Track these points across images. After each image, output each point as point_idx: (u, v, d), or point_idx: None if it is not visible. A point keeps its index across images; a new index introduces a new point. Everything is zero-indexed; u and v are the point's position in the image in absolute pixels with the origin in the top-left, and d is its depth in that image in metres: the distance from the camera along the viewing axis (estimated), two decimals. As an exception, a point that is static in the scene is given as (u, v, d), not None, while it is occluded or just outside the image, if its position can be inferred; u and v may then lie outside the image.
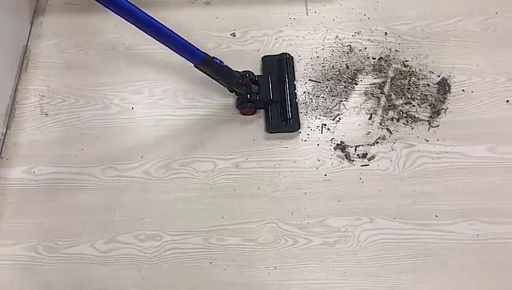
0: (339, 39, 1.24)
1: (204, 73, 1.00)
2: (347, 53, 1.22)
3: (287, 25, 1.28)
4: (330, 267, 0.98)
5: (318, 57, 1.22)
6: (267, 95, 1.11)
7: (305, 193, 1.05)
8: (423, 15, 1.26)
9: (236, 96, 1.13)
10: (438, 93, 1.15)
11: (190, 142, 1.12)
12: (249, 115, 1.14)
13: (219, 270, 0.98)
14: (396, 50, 1.21)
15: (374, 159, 1.08)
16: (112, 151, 1.12)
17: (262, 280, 0.97)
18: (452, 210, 1.01)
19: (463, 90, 1.15)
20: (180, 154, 1.11)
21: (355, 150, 1.09)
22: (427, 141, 1.08)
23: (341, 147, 1.10)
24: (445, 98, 1.14)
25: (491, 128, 1.10)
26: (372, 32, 1.25)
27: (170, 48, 0.90)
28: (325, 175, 1.06)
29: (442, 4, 1.27)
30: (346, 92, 1.15)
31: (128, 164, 1.10)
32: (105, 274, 1.00)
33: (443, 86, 1.16)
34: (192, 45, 0.92)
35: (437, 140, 1.08)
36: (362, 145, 1.09)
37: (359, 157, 1.08)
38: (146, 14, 0.82)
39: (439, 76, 1.16)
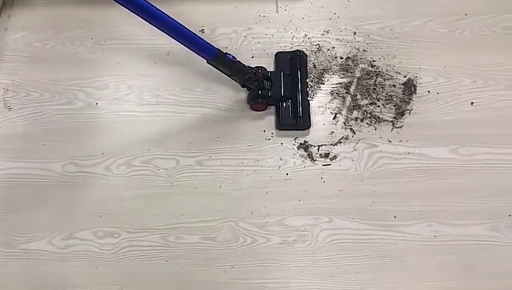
0: (308, 38, 1.23)
1: (217, 68, 1.00)
2: (315, 52, 1.21)
3: (256, 22, 1.27)
4: (287, 266, 0.97)
5: (286, 56, 1.21)
6: (278, 91, 1.10)
7: (267, 191, 1.04)
8: (393, 15, 1.26)
9: (248, 92, 1.12)
10: (403, 94, 1.14)
11: (153, 139, 1.11)
12: (260, 110, 1.14)
13: (176, 268, 0.98)
14: (363, 50, 1.21)
15: (337, 159, 1.07)
16: (74, 147, 1.11)
17: (219, 278, 0.97)
18: (411, 211, 1.01)
19: (428, 92, 1.15)
20: (142, 151, 1.10)
21: (318, 150, 1.09)
22: (390, 141, 1.08)
23: (304, 146, 1.09)
24: (410, 99, 1.14)
25: (454, 130, 1.09)
26: (341, 31, 1.25)
27: (183, 44, 0.90)
28: (287, 174, 1.06)
29: (412, 5, 1.27)
30: (312, 91, 1.15)
31: (89, 160, 1.09)
32: (62, 271, 0.99)
33: (409, 87, 1.15)
34: (205, 41, 0.92)
35: (399, 141, 1.08)
36: (325, 145, 1.09)
37: (322, 157, 1.08)
38: (159, 10, 0.82)
39: (405, 77, 1.16)
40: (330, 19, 1.27)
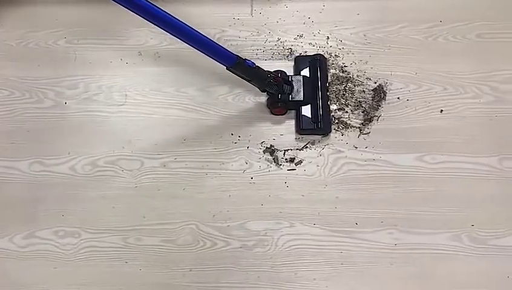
0: (281, 42, 1.23)
1: (236, 75, 1.00)
2: (287, 56, 1.21)
3: (230, 25, 1.27)
4: (245, 271, 0.97)
5: (258, 59, 1.21)
6: (298, 95, 1.10)
7: (230, 195, 1.04)
8: (367, 20, 1.25)
9: (267, 96, 1.12)
10: (373, 100, 1.14)
11: (120, 139, 1.11)
12: (280, 115, 1.13)
13: (134, 270, 0.98)
14: (335, 55, 1.20)
15: (302, 163, 1.07)
16: (41, 145, 1.11)
17: (176, 281, 0.97)
18: (373, 218, 1.01)
19: (398, 98, 1.14)
20: (107, 151, 1.10)
21: (284, 154, 1.08)
22: (356, 147, 1.08)
23: (270, 150, 1.09)
24: (379, 106, 1.13)
25: (421, 138, 1.09)
26: (314, 35, 1.24)
27: (203, 52, 0.91)
28: (252, 178, 1.06)
29: (387, 10, 1.26)
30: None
31: (55, 160, 1.09)
32: (20, 269, 1.00)
33: (379, 93, 1.15)
34: (225, 49, 0.93)
35: (365, 147, 1.08)
36: (291, 150, 1.09)
37: (287, 162, 1.07)
38: (178, 20, 0.84)
39: (375, 83, 1.16)
40: (304, 23, 1.26)
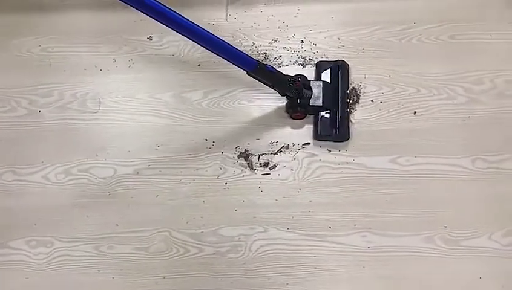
0: (255, 46, 1.23)
1: (256, 79, 1.00)
2: (262, 61, 1.20)
3: (205, 31, 1.26)
4: (218, 277, 0.97)
5: (232, 64, 1.20)
6: (318, 101, 1.09)
7: (204, 201, 1.04)
8: (341, 24, 1.25)
9: (287, 101, 1.12)
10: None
11: (93, 147, 1.10)
12: (299, 119, 1.12)
13: (107, 278, 0.97)
14: (310, 59, 1.20)
15: (276, 168, 1.07)
16: (14, 154, 1.11)
17: (149, 289, 0.96)
18: (346, 221, 1.01)
19: (372, 101, 1.14)
20: (81, 159, 1.09)
21: (258, 159, 1.08)
22: (329, 151, 1.08)
23: (245, 155, 1.09)
24: (353, 108, 1.13)
25: (395, 140, 1.09)
26: (289, 40, 1.24)
27: (223, 57, 0.92)
28: (226, 184, 1.06)
29: (361, 13, 1.26)
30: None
31: (28, 169, 1.09)
32: (-8, 280, 0.98)
33: (352, 96, 1.15)
34: (245, 54, 0.94)
35: (339, 151, 1.08)
36: (266, 154, 1.09)
37: (261, 166, 1.07)
38: (199, 26, 0.85)
39: (349, 85, 1.15)
40: (279, 28, 1.26)
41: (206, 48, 0.88)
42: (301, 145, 1.09)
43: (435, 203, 1.02)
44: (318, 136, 1.09)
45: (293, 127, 1.12)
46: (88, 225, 1.02)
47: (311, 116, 1.13)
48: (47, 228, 1.02)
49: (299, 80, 1.06)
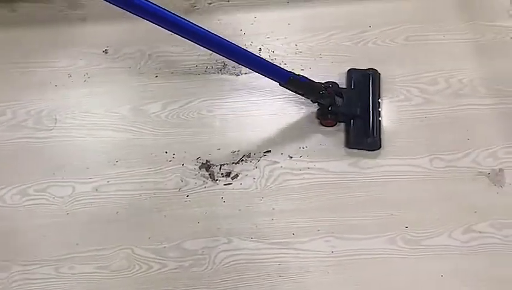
0: (213, 55, 1.22)
1: (289, 90, 1.00)
2: (220, 70, 1.20)
3: (162, 41, 1.25)
4: (182, 292, 0.95)
5: (191, 74, 1.20)
6: (349, 109, 1.09)
7: (165, 215, 1.02)
8: (298, 30, 1.26)
9: (318, 107, 1.11)
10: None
11: (50, 165, 1.08)
12: (330, 126, 1.12)
13: (68, 300, 0.94)
14: (268, 66, 1.20)
15: (238, 177, 1.06)
16: (-34, 177, 1.06)
17: (111, 308, 0.93)
18: (309, 227, 1.01)
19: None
20: (37, 179, 1.07)
21: (220, 169, 1.07)
22: (291, 157, 1.08)
23: (206, 166, 1.08)
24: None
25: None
26: (247, 48, 1.24)
27: (257, 71, 0.93)
28: (187, 196, 1.04)
29: (317, 19, 1.28)
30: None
31: (-19, 191, 1.04)
32: None
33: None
34: (277, 66, 0.95)
35: (300, 156, 1.08)
36: (227, 164, 1.08)
37: (223, 176, 1.07)
38: (231, 42, 0.87)
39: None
40: (237, 36, 1.26)
41: (238, 63, 0.92)
42: (262, 153, 1.09)
43: (396, 204, 1.03)
44: (350, 144, 1.08)
45: (255, 135, 1.11)
46: (47, 246, 1.00)
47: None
48: (4, 252, 0.99)
49: (330, 87, 1.06)
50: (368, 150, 1.09)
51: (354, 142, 1.08)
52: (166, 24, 0.78)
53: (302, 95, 1.03)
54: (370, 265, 0.98)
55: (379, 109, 1.12)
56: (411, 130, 1.10)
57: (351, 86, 1.15)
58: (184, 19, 0.79)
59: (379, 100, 1.14)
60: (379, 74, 1.17)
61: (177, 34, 0.81)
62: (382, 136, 1.10)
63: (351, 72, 1.17)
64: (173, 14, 0.78)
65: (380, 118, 1.11)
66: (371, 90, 1.15)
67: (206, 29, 0.82)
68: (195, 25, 0.81)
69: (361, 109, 1.11)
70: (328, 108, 1.08)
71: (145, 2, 0.74)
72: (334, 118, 1.10)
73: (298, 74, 0.99)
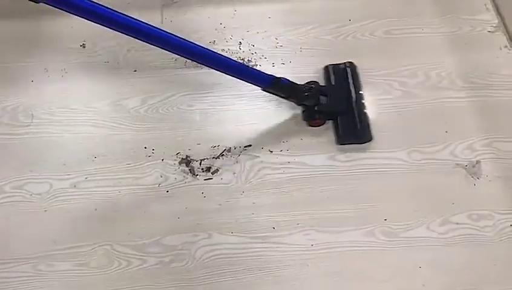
0: (193, 49, 1.20)
1: (272, 94, 0.99)
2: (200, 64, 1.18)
3: (140, 36, 1.22)
4: (163, 288, 0.95)
5: (171, 68, 1.19)
6: (335, 106, 1.08)
7: (145, 211, 1.02)
8: (277, 23, 1.26)
9: (303, 110, 1.10)
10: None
11: (26, 162, 1.06)
12: (318, 126, 1.11)
13: (46, 298, 0.93)
14: (248, 60, 1.20)
15: (218, 172, 1.06)
16: None
17: (90, 306, 0.92)
18: (289, 221, 1.01)
19: (311, 99, 1.14)
20: (13, 175, 1.05)
21: (200, 164, 1.07)
22: (271, 151, 1.08)
23: (186, 161, 1.07)
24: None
25: (333, 137, 1.10)
26: (227, 41, 1.23)
27: (237, 78, 0.92)
28: (167, 192, 1.04)
29: (297, 13, 1.28)
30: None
31: (-45, 189, 1.02)
32: None
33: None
34: (259, 71, 0.95)
35: (280, 150, 1.08)
36: (208, 159, 1.07)
37: (204, 171, 1.06)
38: (205, 48, 0.86)
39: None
40: (216, 29, 1.25)
41: (215, 69, 0.90)
42: (242, 147, 1.09)
43: (375, 197, 1.04)
44: (341, 140, 1.08)
45: (235, 130, 1.11)
46: (24, 244, 0.98)
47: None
48: (-21, 251, 0.96)
49: (313, 87, 1.05)
50: (361, 143, 1.09)
51: (345, 138, 1.08)
52: (126, 30, 0.76)
53: (286, 98, 1.03)
54: (350, 258, 0.98)
55: (363, 101, 1.12)
56: (390, 123, 1.11)
57: (331, 82, 1.14)
58: (149, 25, 0.80)
59: (361, 92, 1.13)
60: (355, 66, 1.17)
61: (146, 42, 0.78)
62: (371, 128, 1.10)
63: (328, 68, 1.17)
64: (140, 21, 0.76)
65: (365, 110, 1.11)
66: (352, 83, 1.14)
67: (177, 36, 0.83)
68: (165, 32, 0.80)
69: (347, 104, 1.11)
70: (314, 108, 1.07)
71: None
72: (322, 117, 1.10)
73: (280, 76, 0.98)
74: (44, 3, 0.65)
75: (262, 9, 1.28)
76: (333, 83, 1.15)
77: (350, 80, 1.13)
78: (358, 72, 1.16)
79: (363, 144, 1.10)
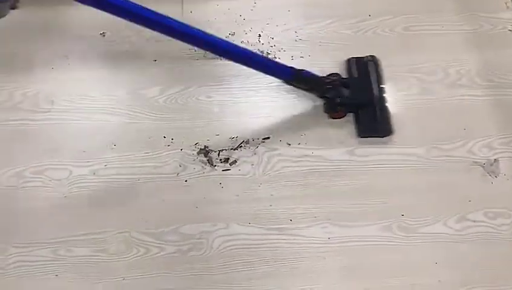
0: (212, 41, 1.21)
1: (294, 86, 1.00)
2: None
3: (160, 25, 1.23)
4: (180, 276, 0.96)
5: (189, 59, 1.19)
6: (357, 98, 1.08)
7: (164, 200, 1.02)
8: (297, 17, 1.26)
9: (324, 102, 1.10)
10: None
11: (47, 148, 1.07)
12: (339, 118, 1.11)
13: (64, 283, 0.95)
14: (267, 52, 1.21)
15: (236, 163, 1.07)
16: (-38, 158, 1.05)
17: (108, 291, 0.94)
18: (306, 214, 1.01)
19: (329, 94, 1.15)
20: (34, 161, 1.05)
21: (218, 155, 1.08)
22: (289, 144, 1.08)
23: (204, 151, 1.08)
24: (311, 102, 1.14)
25: (352, 131, 1.10)
26: (246, 34, 1.24)
27: (258, 70, 0.93)
28: (186, 181, 1.04)
29: (317, 6, 1.27)
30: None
31: (-23, 172, 1.03)
32: None
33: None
34: (280, 64, 0.94)
35: (298, 143, 1.08)
36: (226, 150, 1.08)
37: (222, 162, 1.07)
38: (229, 42, 0.87)
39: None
40: (236, 21, 1.25)
41: (236, 62, 0.91)
42: (261, 139, 1.09)
43: (392, 193, 1.04)
44: (363, 133, 1.08)
45: (254, 122, 1.11)
46: (44, 229, 0.99)
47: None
48: (0, 234, 0.98)
49: (335, 79, 1.06)
50: (381, 137, 1.09)
51: (366, 131, 1.08)
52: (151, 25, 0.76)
53: (308, 90, 1.03)
54: (366, 252, 0.99)
55: (385, 95, 1.12)
56: (409, 119, 1.11)
57: (353, 75, 1.14)
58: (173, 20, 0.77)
59: (383, 86, 1.13)
60: (378, 59, 1.17)
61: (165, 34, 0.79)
62: (392, 122, 1.10)
63: (350, 61, 1.17)
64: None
65: (387, 104, 1.11)
66: (375, 77, 1.15)
67: (202, 30, 0.85)
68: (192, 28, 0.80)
69: (368, 97, 1.10)
70: (335, 100, 1.08)
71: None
72: (344, 110, 1.10)
73: (301, 69, 0.98)
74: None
75: (282, 2, 1.28)
76: (355, 75, 1.14)
77: (373, 73, 1.12)
78: (380, 66, 1.15)
79: (383, 138, 1.08)
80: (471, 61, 1.19)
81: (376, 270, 0.97)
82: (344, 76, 1.14)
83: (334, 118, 1.11)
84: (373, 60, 1.17)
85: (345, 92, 1.09)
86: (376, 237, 1.00)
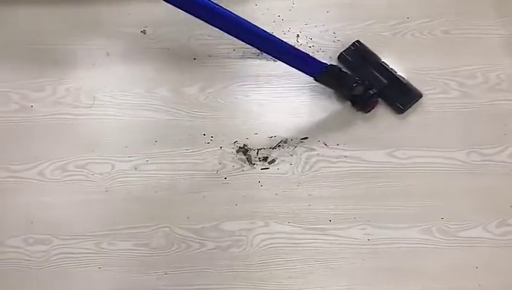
0: (251, 40, 1.22)
1: (323, 84, 1.03)
2: (258, 55, 1.21)
3: (201, 24, 1.24)
4: (220, 272, 0.97)
5: (229, 58, 1.21)
6: (377, 84, 1.12)
7: (204, 196, 1.03)
8: (336, 18, 1.26)
9: (352, 100, 1.13)
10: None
11: (89, 142, 1.09)
12: (373, 109, 1.14)
13: (107, 275, 0.97)
14: (305, 52, 1.20)
15: (275, 162, 1.07)
16: (6, 151, 1.08)
17: (149, 285, 0.96)
18: (346, 214, 1.02)
19: (368, 95, 1.15)
20: (76, 155, 1.07)
21: (257, 153, 1.08)
22: (327, 145, 1.08)
23: (243, 150, 1.09)
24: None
25: (391, 133, 1.10)
26: (284, 34, 1.24)
27: (291, 62, 0.94)
28: (225, 178, 1.05)
29: (356, 8, 1.27)
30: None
31: (22, 165, 1.07)
32: (-11, 279, 0.96)
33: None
34: (313, 58, 0.96)
35: (337, 144, 1.09)
36: (264, 149, 1.09)
37: (261, 161, 1.07)
38: (261, 29, 0.88)
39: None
40: (274, 22, 1.26)
41: (264, 52, 0.92)
42: (299, 139, 1.10)
43: (432, 196, 1.04)
44: (402, 107, 1.12)
45: (292, 121, 1.12)
46: (87, 222, 1.01)
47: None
48: (45, 225, 1.01)
49: (359, 78, 1.08)
50: (417, 101, 1.13)
51: (405, 104, 1.12)
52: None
53: (336, 88, 1.03)
54: (406, 254, 0.99)
55: (390, 68, 1.16)
56: (448, 123, 1.11)
57: (355, 66, 1.18)
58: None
59: (383, 61, 1.17)
60: (361, 42, 1.21)
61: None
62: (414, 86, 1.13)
63: (342, 57, 1.20)
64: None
65: (398, 73, 1.15)
66: (372, 57, 1.18)
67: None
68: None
69: (385, 76, 1.14)
70: (368, 93, 1.10)
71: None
72: (377, 98, 1.12)
73: (335, 64, 1.00)
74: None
75: (320, 3, 1.29)
76: (357, 66, 1.17)
77: (369, 55, 1.17)
78: (367, 46, 1.18)
79: (424, 142, 1.12)
80: (511, 66, 1.17)
81: (415, 273, 0.97)
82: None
83: (369, 111, 1.13)
84: (359, 44, 1.20)
85: (368, 84, 1.10)
86: (416, 239, 1.00)
